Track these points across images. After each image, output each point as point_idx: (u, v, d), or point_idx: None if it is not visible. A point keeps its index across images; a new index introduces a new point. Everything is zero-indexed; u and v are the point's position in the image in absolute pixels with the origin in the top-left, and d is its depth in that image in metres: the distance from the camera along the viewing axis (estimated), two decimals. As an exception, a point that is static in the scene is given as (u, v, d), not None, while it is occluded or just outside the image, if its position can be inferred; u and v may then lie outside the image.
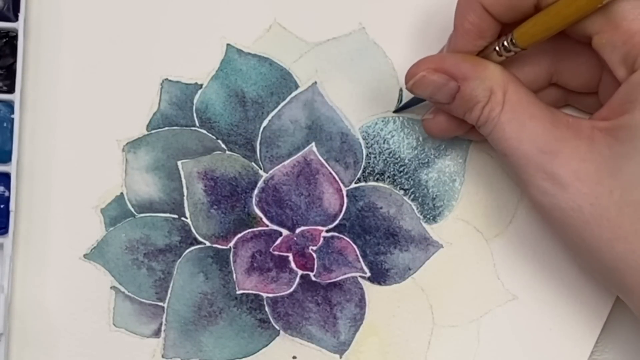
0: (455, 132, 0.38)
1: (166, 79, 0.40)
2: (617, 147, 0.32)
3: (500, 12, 0.34)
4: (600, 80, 0.36)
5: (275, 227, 0.40)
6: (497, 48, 0.34)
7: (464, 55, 0.35)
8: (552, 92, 0.38)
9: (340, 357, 0.40)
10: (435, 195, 0.40)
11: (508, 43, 0.34)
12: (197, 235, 0.40)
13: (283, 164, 0.40)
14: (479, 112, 0.34)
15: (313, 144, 0.40)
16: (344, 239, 0.40)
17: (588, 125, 0.33)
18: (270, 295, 0.40)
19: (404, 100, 0.40)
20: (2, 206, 0.39)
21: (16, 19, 0.39)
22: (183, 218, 0.40)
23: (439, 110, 0.37)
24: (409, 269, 0.40)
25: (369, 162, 0.40)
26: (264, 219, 0.40)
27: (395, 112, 0.40)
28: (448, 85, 0.34)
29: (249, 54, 0.40)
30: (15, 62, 0.39)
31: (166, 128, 0.40)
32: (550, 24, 0.33)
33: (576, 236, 0.33)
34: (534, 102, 0.34)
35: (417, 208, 0.40)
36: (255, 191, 0.40)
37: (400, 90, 0.40)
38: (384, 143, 0.40)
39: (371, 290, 0.40)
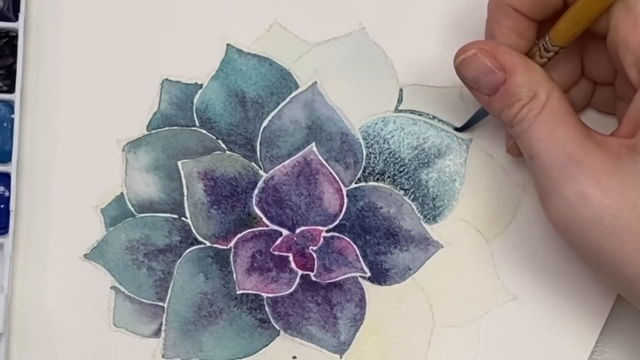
0: None
1: (166, 79, 0.40)
2: None
3: (530, 10, 0.34)
4: (617, 72, 0.36)
5: (275, 227, 0.40)
6: (537, 50, 0.35)
7: (518, 52, 0.35)
8: (583, 84, 0.38)
9: (341, 357, 0.40)
10: (436, 195, 0.40)
11: (546, 44, 0.34)
12: (197, 235, 0.40)
13: (283, 164, 0.40)
14: (517, 109, 0.34)
15: (313, 144, 0.40)
16: (344, 239, 0.40)
17: (616, 142, 0.33)
18: (271, 295, 0.40)
19: (404, 100, 0.40)
20: (2, 206, 0.39)
21: (16, 19, 0.39)
22: (183, 218, 0.40)
23: None
24: (409, 269, 0.40)
25: (369, 162, 0.40)
26: (264, 219, 0.40)
27: (457, 130, 0.40)
28: (495, 74, 0.34)
29: (249, 54, 0.40)
30: (15, 62, 0.39)
31: (166, 128, 0.40)
32: (578, 17, 0.33)
33: (596, 248, 0.33)
34: (571, 114, 0.34)
35: (417, 208, 0.40)
36: (256, 191, 0.40)
37: (401, 90, 0.40)
38: (384, 143, 0.40)
39: (371, 290, 0.40)
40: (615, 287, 0.36)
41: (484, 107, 0.36)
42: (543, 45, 0.34)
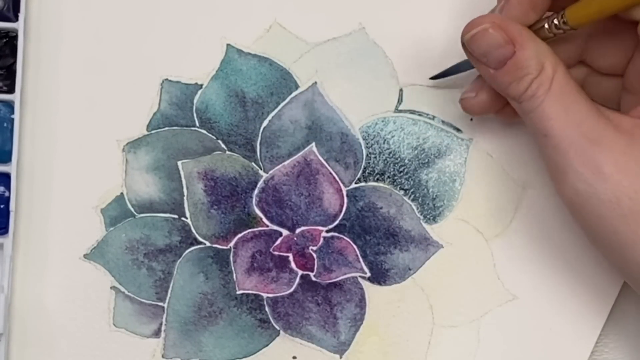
0: (492, 111, 0.37)
1: (166, 79, 0.40)
2: None
3: None
4: (629, 62, 0.36)
5: (275, 227, 0.40)
6: (546, 25, 0.34)
7: (523, 26, 0.34)
8: (578, 71, 0.38)
9: (341, 357, 0.40)
10: (435, 196, 0.40)
11: (559, 21, 0.34)
12: (197, 236, 0.40)
13: (283, 164, 0.40)
14: (527, 83, 0.33)
15: (313, 144, 0.40)
16: (344, 239, 0.40)
17: (629, 121, 0.33)
18: (271, 295, 0.40)
19: (404, 100, 0.40)
20: (2, 206, 0.39)
21: (16, 19, 0.39)
22: (183, 218, 0.40)
23: (482, 88, 0.36)
24: (409, 269, 0.40)
25: (369, 162, 0.40)
26: (264, 219, 0.40)
27: (432, 78, 0.39)
28: (505, 48, 0.33)
29: (249, 54, 0.40)
30: (15, 62, 0.39)
31: (166, 128, 0.40)
32: (604, 5, 0.32)
33: (610, 230, 0.33)
34: (579, 90, 0.34)
35: (417, 208, 0.40)
36: (256, 191, 0.40)
37: (401, 90, 0.40)
38: (384, 143, 0.40)
39: (371, 290, 0.40)
40: (623, 272, 0.36)
41: (490, 82, 0.35)
42: (554, 22, 0.34)
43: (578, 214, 0.34)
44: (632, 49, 0.35)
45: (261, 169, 0.40)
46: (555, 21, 0.34)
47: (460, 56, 0.40)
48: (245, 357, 0.40)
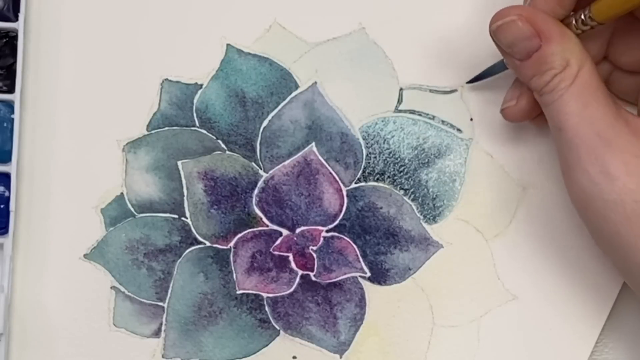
0: (530, 117, 0.37)
1: (166, 79, 0.40)
2: None
3: None
4: None
5: (275, 227, 0.40)
6: (574, 22, 0.34)
7: (554, 19, 0.34)
8: (602, 67, 0.38)
9: (341, 357, 0.40)
10: (435, 195, 0.40)
11: (585, 17, 0.34)
12: (197, 235, 0.40)
13: (283, 164, 0.40)
14: (549, 78, 0.34)
15: (313, 144, 0.40)
16: (344, 239, 0.40)
17: None
18: (271, 295, 0.40)
19: (404, 100, 0.40)
20: (2, 206, 0.39)
21: (16, 19, 0.39)
22: (183, 218, 0.40)
23: (522, 96, 0.37)
24: (409, 269, 0.40)
25: (369, 162, 0.40)
26: (264, 219, 0.40)
27: (468, 82, 0.40)
28: (531, 41, 0.34)
29: (249, 54, 0.40)
30: (15, 62, 0.39)
31: (166, 128, 0.40)
32: None
33: (613, 231, 0.33)
34: (602, 89, 0.34)
35: (417, 208, 0.40)
36: (255, 191, 0.40)
37: (401, 89, 0.40)
38: (384, 143, 0.40)
39: (371, 290, 0.40)
40: (623, 273, 0.36)
41: (515, 72, 0.36)
42: (581, 17, 0.34)
43: (583, 211, 0.34)
44: None
45: (261, 169, 0.40)
46: (582, 16, 0.34)
47: (459, 56, 0.40)
48: (245, 357, 0.40)
